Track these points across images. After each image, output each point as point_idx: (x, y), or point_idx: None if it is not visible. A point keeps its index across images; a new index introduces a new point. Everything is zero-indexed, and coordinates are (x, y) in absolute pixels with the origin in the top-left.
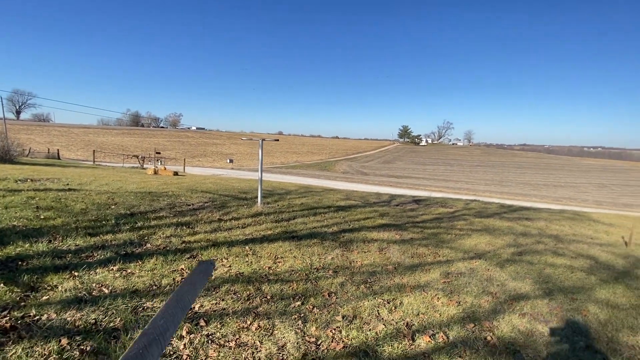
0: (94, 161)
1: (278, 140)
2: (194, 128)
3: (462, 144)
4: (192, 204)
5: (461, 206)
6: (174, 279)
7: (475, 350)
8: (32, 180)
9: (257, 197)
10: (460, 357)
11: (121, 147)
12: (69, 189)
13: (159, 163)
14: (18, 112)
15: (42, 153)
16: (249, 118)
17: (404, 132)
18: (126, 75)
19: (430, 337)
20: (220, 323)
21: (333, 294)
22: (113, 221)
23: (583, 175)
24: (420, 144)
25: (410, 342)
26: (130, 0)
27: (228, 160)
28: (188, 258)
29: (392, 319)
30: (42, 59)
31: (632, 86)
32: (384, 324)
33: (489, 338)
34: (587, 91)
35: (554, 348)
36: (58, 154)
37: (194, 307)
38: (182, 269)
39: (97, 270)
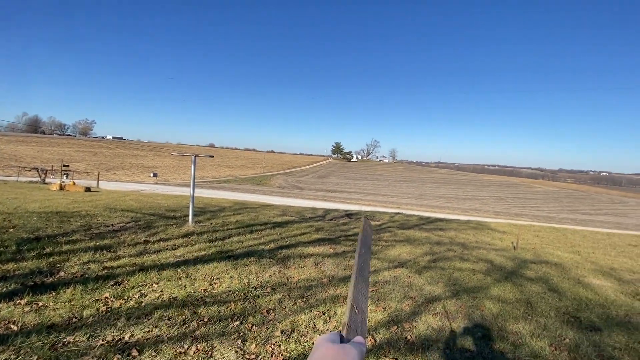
0: None
1: (213, 156)
2: (109, 137)
3: (387, 160)
4: (112, 225)
5: (387, 219)
6: (97, 309)
7: (398, 349)
8: None
9: (187, 216)
10: (385, 356)
11: (14, 157)
12: None
13: (66, 177)
14: None
15: None
16: (176, 128)
17: (337, 149)
18: (23, 72)
19: None
20: (154, 351)
21: (271, 311)
22: (14, 247)
23: (485, 190)
24: (352, 160)
25: None
26: None
27: (152, 175)
28: (112, 285)
29: (327, 329)
30: None
31: (521, 112)
32: (319, 334)
33: (409, 337)
34: (486, 117)
35: (459, 340)
36: None
37: (124, 337)
38: (107, 297)
39: (1, 306)
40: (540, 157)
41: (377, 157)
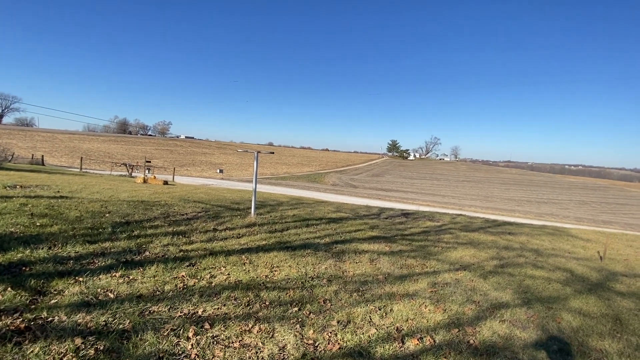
0: (80, 168)
1: (273, 152)
2: (182, 137)
3: (449, 159)
4: (186, 214)
5: (448, 220)
6: (176, 285)
7: (459, 352)
8: (21, 186)
9: (250, 208)
10: (445, 357)
11: (108, 155)
12: (61, 197)
13: (148, 172)
14: (0, 116)
15: (26, 158)
16: (239, 128)
17: (393, 146)
18: (115, 81)
19: (418, 340)
20: (223, 326)
21: (328, 301)
22: (110, 229)
23: (564, 192)
24: (409, 158)
25: (400, 344)
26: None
27: (218, 171)
28: (187, 266)
29: (384, 324)
30: (27, 61)
31: (610, 109)
32: (375, 328)
33: (471, 341)
34: (568, 112)
35: (530, 350)
36: (42, 160)
37: (198, 311)
38: (183, 276)
39: (101, 277)
40: (637, 156)
41: (437, 155)
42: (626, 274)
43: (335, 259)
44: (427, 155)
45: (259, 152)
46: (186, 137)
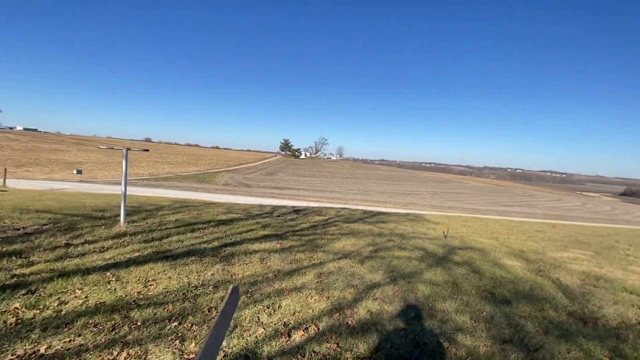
0: None
1: (148, 150)
2: (20, 128)
3: (335, 158)
4: (24, 228)
5: (334, 214)
6: (4, 322)
7: (339, 334)
8: None
9: (119, 215)
10: (327, 342)
11: None
12: None
13: None
14: None
15: None
16: (107, 120)
17: (285, 146)
18: None
19: (304, 330)
20: None
21: (213, 309)
22: None
23: (422, 185)
24: (300, 157)
25: (287, 338)
26: None
27: (75, 171)
28: (24, 294)
29: (271, 322)
30: None
31: (452, 115)
32: (263, 328)
33: (350, 322)
34: (422, 118)
35: (395, 320)
36: None
37: (39, 349)
38: (17, 308)
39: None
40: (469, 155)
41: (325, 155)
42: (461, 247)
43: (224, 263)
44: (316, 155)
45: (128, 149)
46: (25, 128)
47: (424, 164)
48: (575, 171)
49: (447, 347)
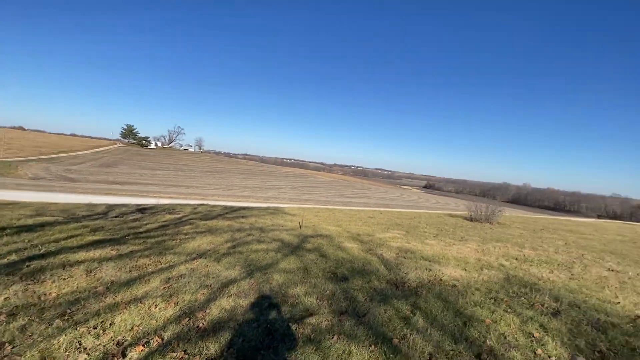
0: None
1: None
2: None
3: (193, 149)
4: None
5: (189, 211)
6: None
7: (188, 339)
8: None
9: None
10: (173, 352)
11: None
12: None
13: None
14: None
15: None
16: None
17: (129, 132)
18: None
19: (144, 345)
20: None
21: (7, 345)
22: None
23: (283, 180)
24: (149, 147)
25: (121, 358)
26: None
27: None
28: None
29: (99, 344)
30: None
31: (306, 115)
32: (87, 354)
33: (201, 325)
34: (284, 114)
35: (249, 313)
36: None
37: None
38: None
39: None
40: (322, 152)
41: (182, 146)
42: (313, 235)
43: (27, 281)
44: (170, 145)
45: None
46: None
47: (285, 160)
48: (396, 169)
49: (296, 329)
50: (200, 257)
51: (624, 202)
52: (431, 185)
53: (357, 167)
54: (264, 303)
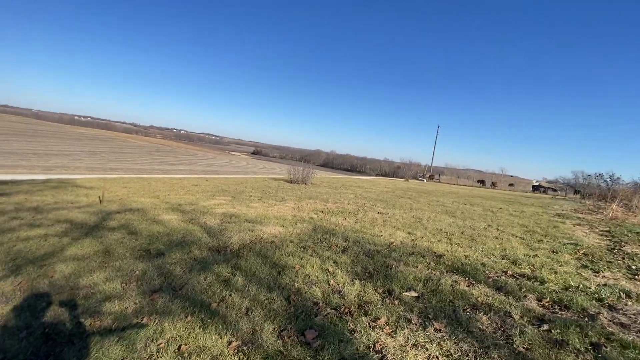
0: None
1: None
2: None
3: None
4: None
5: None
6: None
7: None
8: None
9: None
10: None
11: None
12: None
13: None
14: None
15: None
16: None
17: None
18: None
19: None
20: None
21: None
22: None
23: (76, 144)
24: None
25: None
26: None
27: None
28: None
29: None
30: None
31: (103, 66)
32: None
33: None
34: (63, 60)
35: (12, 321)
36: None
37: None
38: None
39: None
40: (134, 112)
41: None
42: (119, 211)
43: None
44: None
45: None
46: None
47: (76, 117)
48: (225, 135)
49: (91, 324)
50: None
51: (390, 164)
52: (259, 152)
53: (181, 130)
54: (40, 304)
